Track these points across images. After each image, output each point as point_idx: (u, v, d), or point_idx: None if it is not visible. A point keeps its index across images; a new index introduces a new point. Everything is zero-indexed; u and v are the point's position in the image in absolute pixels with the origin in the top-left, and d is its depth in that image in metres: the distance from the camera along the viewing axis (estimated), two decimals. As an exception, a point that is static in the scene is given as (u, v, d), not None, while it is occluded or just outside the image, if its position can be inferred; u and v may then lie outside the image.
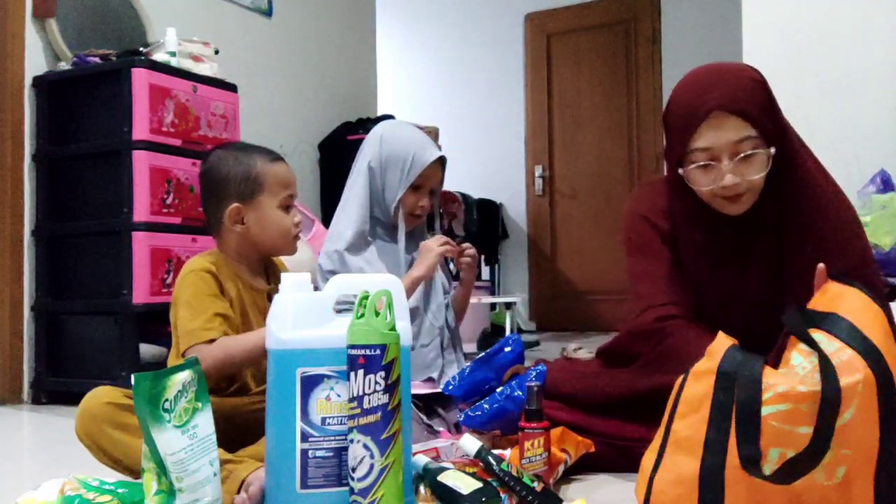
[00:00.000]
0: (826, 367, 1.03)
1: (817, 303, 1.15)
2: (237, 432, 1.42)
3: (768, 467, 1.03)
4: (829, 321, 1.09)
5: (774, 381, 1.05)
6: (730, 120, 1.35)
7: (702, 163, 1.38)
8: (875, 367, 1.02)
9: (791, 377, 1.07)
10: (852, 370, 1.02)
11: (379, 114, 4.51)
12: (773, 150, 1.38)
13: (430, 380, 1.82)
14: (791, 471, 1.02)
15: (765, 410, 1.03)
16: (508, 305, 4.83)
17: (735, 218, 1.44)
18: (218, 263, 1.59)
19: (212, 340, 1.45)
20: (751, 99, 1.37)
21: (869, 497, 1.02)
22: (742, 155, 1.36)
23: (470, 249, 1.96)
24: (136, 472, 1.34)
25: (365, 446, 1.09)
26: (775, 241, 1.45)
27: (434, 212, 2.08)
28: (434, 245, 1.89)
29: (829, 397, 1.01)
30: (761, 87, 1.41)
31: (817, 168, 1.50)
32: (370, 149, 1.94)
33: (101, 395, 1.41)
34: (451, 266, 2.17)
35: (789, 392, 1.03)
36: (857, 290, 1.12)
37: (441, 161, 1.95)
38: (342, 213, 1.95)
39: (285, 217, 1.61)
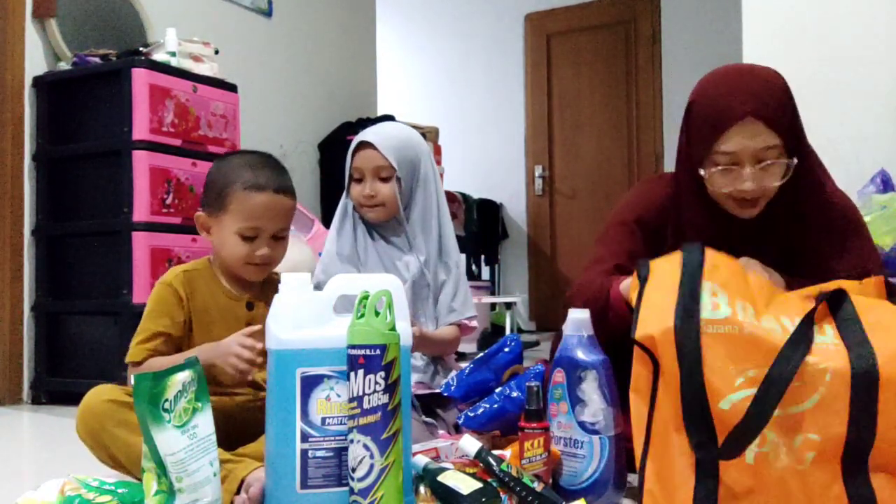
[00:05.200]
0: (796, 347, 1.09)
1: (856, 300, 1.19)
2: (237, 431, 1.42)
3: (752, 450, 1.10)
4: (847, 319, 1.14)
5: (744, 366, 1.10)
6: (758, 127, 1.35)
7: (723, 167, 1.39)
8: (857, 364, 1.07)
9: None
10: (827, 359, 1.09)
11: (379, 114, 4.51)
12: (794, 160, 1.39)
13: (421, 384, 1.81)
14: (733, 445, 1.09)
15: (739, 395, 1.09)
16: (508, 305, 4.83)
17: (744, 220, 1.45)
18: (200, 268, 1.61)
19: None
20: (781, 108, 1.38)
21: (837, 475, 1.08)
22: (764, 161, 1.37)
23: None
24: (136, 471, 1.34)
25: (365, 446, 1.09)
26: (782, 244, 1.47)
27: (403, 200, 1.86)
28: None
29: (777, 376, 1.08)
30: (789, 97, 1.41)
31: (823, 173, 1.53)
32: None
33: (102, 393, 1.42)
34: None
35: (757, 377, 1.09)
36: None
37: (370, 144, 1.81)
38: (332, 229, 1.94)
39: (239, 245, 1.54)
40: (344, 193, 1.93)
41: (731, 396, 1.09)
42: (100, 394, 1.43)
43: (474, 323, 1.91)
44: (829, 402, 1.07)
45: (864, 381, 1.06)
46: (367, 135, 1.86)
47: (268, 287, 1.61)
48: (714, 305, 1.15)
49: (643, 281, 1.24)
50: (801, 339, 1.10)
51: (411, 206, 1.89)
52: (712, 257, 1.22)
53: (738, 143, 1.36)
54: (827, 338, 1.12)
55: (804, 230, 1.47)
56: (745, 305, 1.16)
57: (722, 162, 1.39)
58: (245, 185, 1.54)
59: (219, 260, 1.62)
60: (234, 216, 1.54)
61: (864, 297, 1.19)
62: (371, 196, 1.83)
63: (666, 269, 1.23)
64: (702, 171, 1.43)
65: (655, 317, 1.17)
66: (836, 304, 1.16)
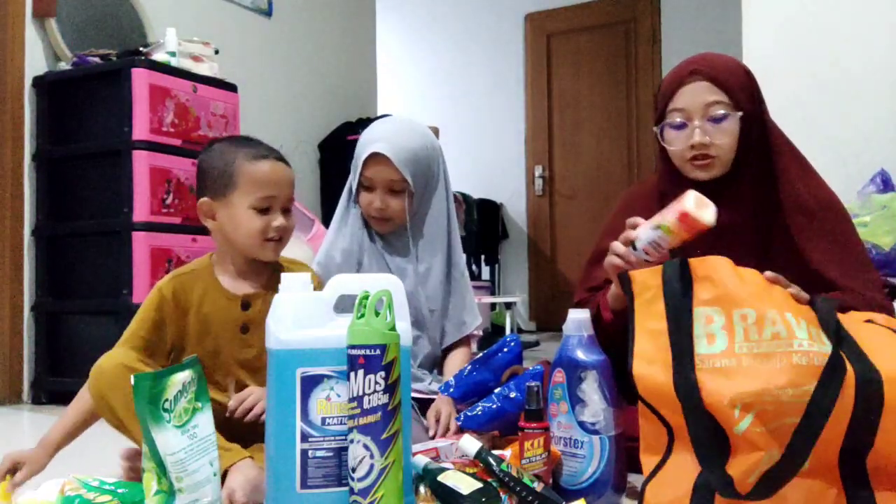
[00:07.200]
0: (832, 376, 1.05)
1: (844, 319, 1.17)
2: (236, 432, 1.42)
3: (754, 476, 1.06)
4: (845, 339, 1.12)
5: (740, 396, 1.06)
6: (704, 84, 1.47)
7: (676, 121, 1.49)
8: (861, 374, 1.06)
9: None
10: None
11: (379, 114, 4.51)
12: (740, 113, 1.47)
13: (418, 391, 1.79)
14: (769, 484, 1.05)
15: (744, 424, 1.05)
16: (508, 305, 4.83)
17: (710, 189, 1.46)
18: (199, 268, 1.60)
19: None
20: (728, 72, 1.49)
21: (835, 477, 1.07)
22: (712, 115, 1.46)
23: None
24: (135, 437, 1.39)
25: (365, 446, 1.09)
26: (753, 217, 1.51)
27: (414, 214, 1.82)
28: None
29: (821, 403, 1.04)
30: (743, 71, 1.52)
31: (798, 161, 1.56)
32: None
33: (116, 356, 1.46)
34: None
35: (753, 402, 1.05)
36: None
37: (385, 157, 1.72)
38: (332, 224, 1.90)
39: (255, 218, 1.52)
40: (345, 193, 1.89)
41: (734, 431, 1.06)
42: (114, 357, 1.45)
43: (480, 331, 1.87)
44: (834, 411, 1.04)
45: (868, 393, 1.04)
46: (380, 145, 1.74)
47: (272, 281, 1.58)
48: (709, 338, 1.12)
49: (630, 298, 1.21)
50: (837, 366, 1.06)
51: (421, 216, 1.85)
52: (700, 268, 1.17)
53: (685, 100, 1.48)
54: (825, 347, 1.09)
55: (778, 205, 1.50)
56: (745, 314, 1.11)
57: (675, 118, 1.49)
58: (249, 157, 1.54)
59: (224, 252, 1.60)
60: (245, 190, 1.52)
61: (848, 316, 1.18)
62: (382, 209, 1.78)
63: (651, 285, 1.19)
64: (655, 128, 1.53)
65: (650, 363, 1.14)
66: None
